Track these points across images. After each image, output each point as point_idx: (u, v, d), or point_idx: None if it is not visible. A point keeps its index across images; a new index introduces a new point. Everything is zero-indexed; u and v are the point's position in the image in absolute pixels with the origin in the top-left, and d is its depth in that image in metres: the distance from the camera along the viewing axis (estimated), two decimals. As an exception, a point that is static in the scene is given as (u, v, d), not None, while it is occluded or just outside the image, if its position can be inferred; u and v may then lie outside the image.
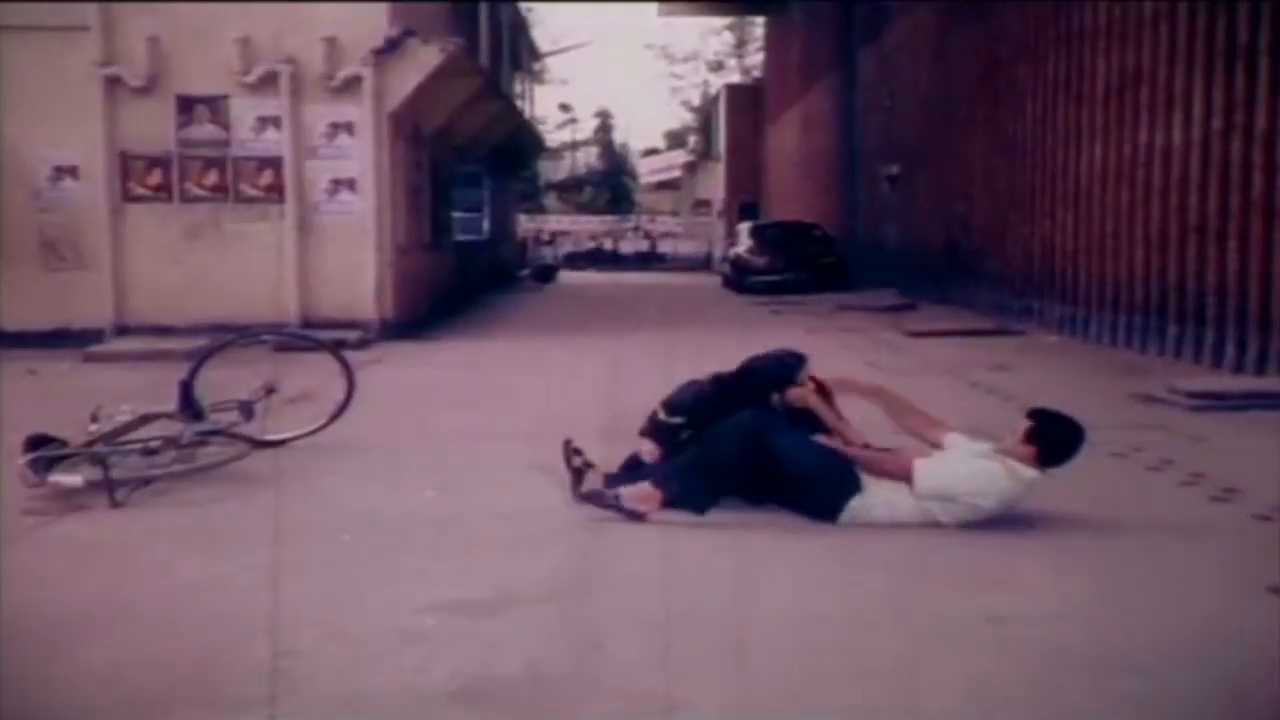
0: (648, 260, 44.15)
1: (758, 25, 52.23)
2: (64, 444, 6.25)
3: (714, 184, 50.14)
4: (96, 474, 5.93)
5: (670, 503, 5.42)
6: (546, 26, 51.25)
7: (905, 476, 5.27)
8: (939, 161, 20.25)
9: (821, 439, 5.58)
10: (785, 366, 5.88)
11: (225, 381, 7.21)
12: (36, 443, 6.17)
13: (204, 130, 14.29)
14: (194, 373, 7.02)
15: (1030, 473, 5.22)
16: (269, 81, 14.18)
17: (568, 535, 5.33)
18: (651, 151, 65.96)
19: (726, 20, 56.84)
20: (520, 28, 34.46)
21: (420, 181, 16.90)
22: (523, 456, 7.00)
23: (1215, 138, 10.77)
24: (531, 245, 41.97)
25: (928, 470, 5.28)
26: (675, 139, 65.52)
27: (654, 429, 6.03)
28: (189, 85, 14.22)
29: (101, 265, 14.14)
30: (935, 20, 20.56)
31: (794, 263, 24.42)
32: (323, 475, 6.54)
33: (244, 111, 14.30)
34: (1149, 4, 12.10)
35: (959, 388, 9.76)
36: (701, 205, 53.10)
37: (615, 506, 5.44)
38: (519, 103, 29.94)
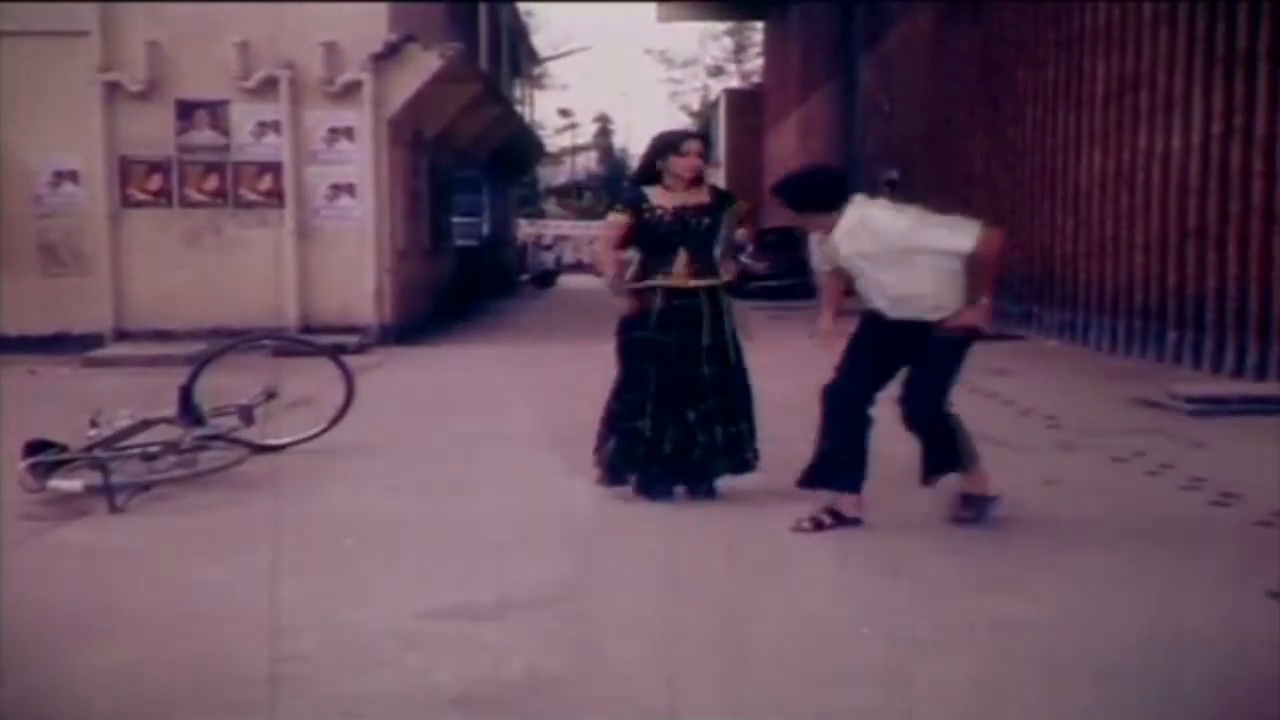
0: None
1: (757, 30, 52.15)
2: (64, 449, 6.26)
3: (713, 189, 50.07)
4: (96, 479, 5.93)
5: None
6: (546, 31, 51.35)
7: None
8: (938, 166, 20.25)
9: None
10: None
11: (225, 386, 7.21)
12: (36, 448, 6.18)
13: (204, 135, 14.32)
14: (194, 377, 7.03)
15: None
16: (269, 86, 14.21)
17: (569, 538, 5.33)
18: (651, 156, 65.71)
19: (726, 25, 56.77)
20: (520, 32, 34.50)
21: (420, 186, 16.92)
22: (523, 460, 7.01)
23: (1215, 142, 10.77)
24: (531, 250, 41.97)
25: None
26: (675, 144, 65.25)
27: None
28: (189, 90, 14.25)
29: (101, 270, 14.16)
30: (934, 25, 20.57)
31: (794, 268, 24.38)
32: (322, 480, 6.54)
33: (244, 116, 14.33)
34: (1148, 7, 12.10)
35: (958, 392, 9.73)
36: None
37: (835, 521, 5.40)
38: (518, 107, 29.95)
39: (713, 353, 5.88)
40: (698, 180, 6.01)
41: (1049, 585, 4.55)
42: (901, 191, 22.87)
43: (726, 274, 6.11)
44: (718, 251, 6.05)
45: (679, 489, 5.97)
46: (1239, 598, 4.36)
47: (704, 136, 6.54)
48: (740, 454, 5.92)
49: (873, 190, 26.32)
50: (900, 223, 5.24)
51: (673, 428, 5.85)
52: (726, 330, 5.94)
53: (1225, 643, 3.93)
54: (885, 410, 5.49)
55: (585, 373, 11.29)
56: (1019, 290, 15.93)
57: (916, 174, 21.88)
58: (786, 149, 39.15)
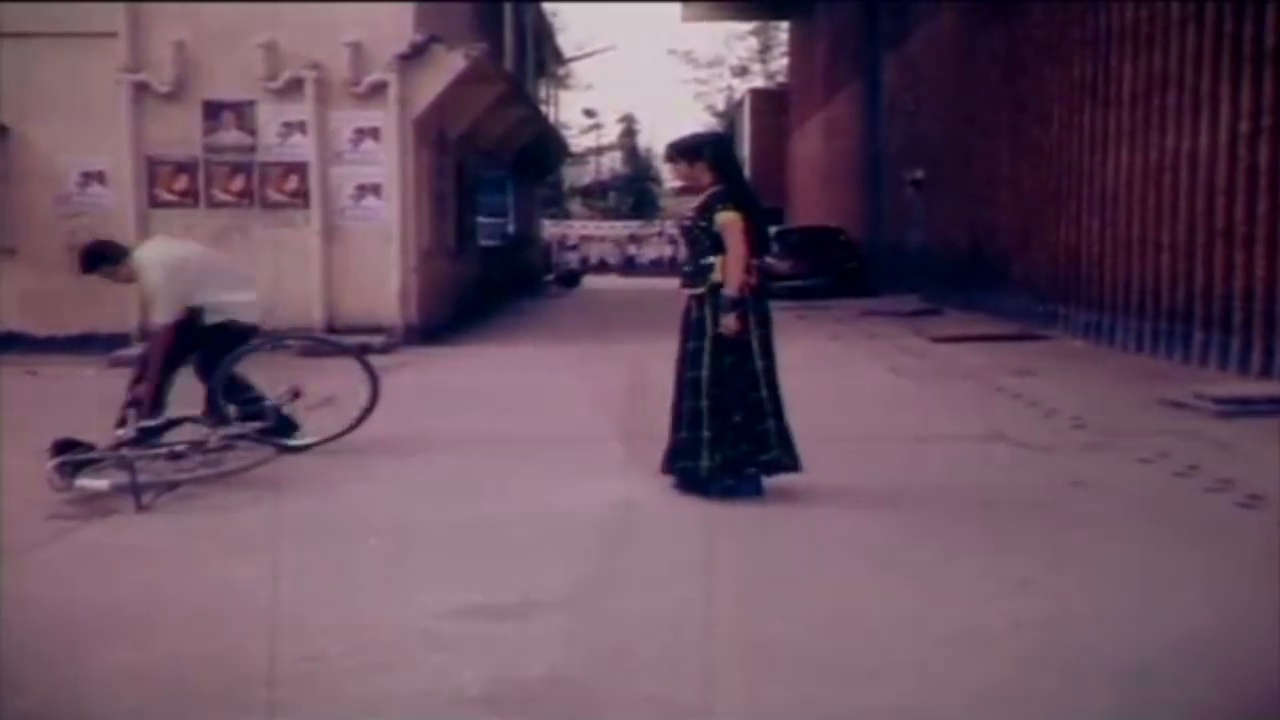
0: (672, 266, 44.11)
1: (782, 30, 52.12)
2: (91, 448, 6.30)
3: (738, 189, 49.90)
4: (123, 478, 5.97)
5: None
6: (571, 32, 51.38)
7: None
8: (963, 166, 20.18)
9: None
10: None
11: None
12: (63, 447, 6.23)
13: (230, 136, 14.38)
14: (220, 377, 7.06)
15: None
16: (294, 87, 14.26)
17: (593, 538, 5.34)
18: (675, 156, 65.55)
19: (750, 25, 56.68)
20: (545, 33, 34.52)
21: (445, 186, 16.94)
22: (547, 460, 7.02)
23: (1243, 141, 10.68)
24: (556, 250, 42.03)
25: None
26: (699, 144, 65.05)
27: None
28: (215, 91, 14.31)
29: (128, 270, 14.21)
30: (959, 24, 20.50)
31: (818, 268, 24.35)
32: (347, 479, 6.57)
33: (270, 117, 14.38)
34: (1176, 6, 12.03)
35: (983, 393, 9.72)
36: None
37: None
38: (543, 108, 29.98)
39: (694, 357, 5.96)
40: (711, 185, 6.02)
41: (1074, 586, 4.54)
42: (927, 192, 22.86)
43: (727, 282, 5.82)
44: (715, 259, 5.89)
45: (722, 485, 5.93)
46: (1265, 599, 4.33)
47: (685, 142, 6.28)
48: (727, 454, 5.87)
49: (898, 189, 26.40)
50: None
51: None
52: (707, 335, 5.91)
53: (1252, 644, 3.91)
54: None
55: (608, 373, 11.34)
56: (1045, 290, 15.86)
57: (941, 174, 21.82)
58: (811, 149, 39.11)
